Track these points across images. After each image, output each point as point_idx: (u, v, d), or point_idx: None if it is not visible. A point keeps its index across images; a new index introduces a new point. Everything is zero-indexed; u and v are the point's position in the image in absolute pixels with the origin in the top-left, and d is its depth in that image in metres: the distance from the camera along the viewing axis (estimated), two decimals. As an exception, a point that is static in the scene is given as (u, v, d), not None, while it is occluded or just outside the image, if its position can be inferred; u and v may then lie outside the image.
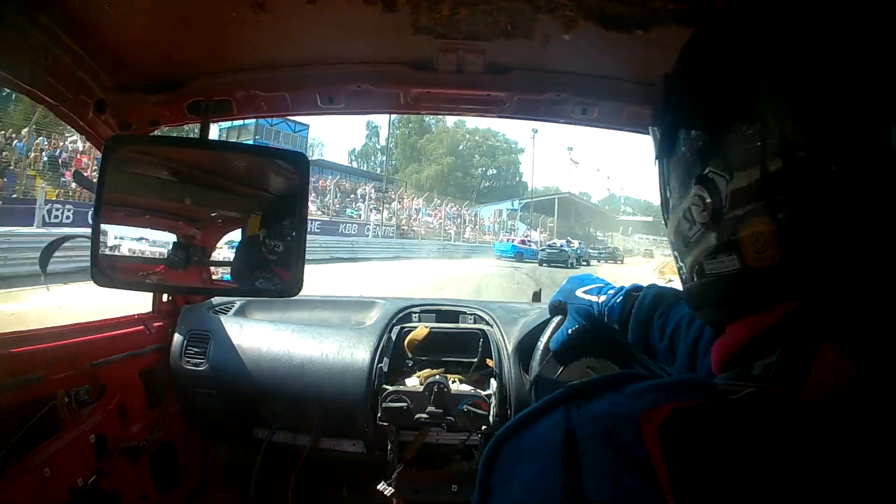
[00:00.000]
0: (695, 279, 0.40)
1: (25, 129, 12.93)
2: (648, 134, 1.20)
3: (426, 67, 0.95)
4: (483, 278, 13.83)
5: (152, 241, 0.97)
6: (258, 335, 1.30)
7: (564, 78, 0.98)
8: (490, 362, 1.24)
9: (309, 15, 0.77)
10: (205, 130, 0.98)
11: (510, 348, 1.24)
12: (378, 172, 34.24)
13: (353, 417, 1.21)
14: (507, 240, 28.27)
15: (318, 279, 8.74)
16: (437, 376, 1.20)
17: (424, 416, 1.16)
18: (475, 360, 1.26)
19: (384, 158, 41.77)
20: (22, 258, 7.76)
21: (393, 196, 28.59)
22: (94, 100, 0.94)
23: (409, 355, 1.27)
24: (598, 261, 28.65)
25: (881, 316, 0.30)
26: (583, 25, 0.76)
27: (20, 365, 0.89)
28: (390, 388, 1.18)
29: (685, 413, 0.29)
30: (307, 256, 0.89)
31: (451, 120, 48.10)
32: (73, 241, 1.13)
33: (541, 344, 1.00)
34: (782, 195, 0.31)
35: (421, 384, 1.19)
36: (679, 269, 0.44)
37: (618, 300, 0.80)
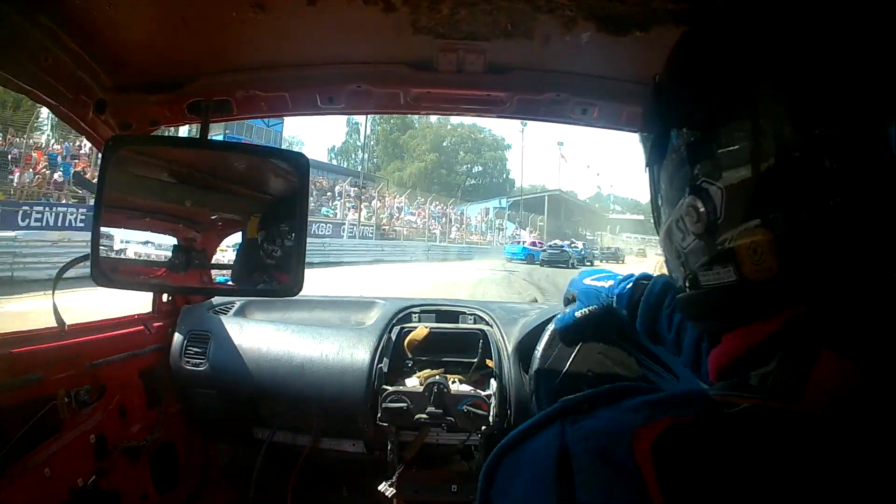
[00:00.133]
0: (687, 289, 0.39)
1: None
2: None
3: (426, 67, 0.95)
4: (476, 285, 12.55)
5: (157, 245, 0.97)
6: (258, 335, 1.30)
7: (564, 78, 0.98)
8: (490, 362, 1.24)
9: (309, 15, 0.77)
10: (205, 130, 0.98)
11: (510, 349, 1.24)
12: (359, 170, 31.37)
13: (353, 417, 1.21)
14: (519, 242, 27.53)
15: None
16: (437, 377, 1.20)
17: (424, 416, 1.16)
18: (475, 360, 1.26)
19: (365, 156, 39.19)
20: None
21: (373, 193, 26.53)
22: (94, 100, 0.94)
23: (409, 355, 1.27)
24: (601, 261, 28.18)
25: (879, 321, 0.30)
26: (583, 25, 0.76)
27: (20, 365, 0.89)
28: (390, 389, 1.18)
29: (679, 429, 0.28)
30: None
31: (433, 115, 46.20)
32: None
33: (546, 333, 1.01)
34: (779, 203, 0.31)
35: (421, 384, 1.19)
36: (671, 276, 0.43)
37: (626, 287, 0.79)
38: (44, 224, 10.11)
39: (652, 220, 0.45)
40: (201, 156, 0.99)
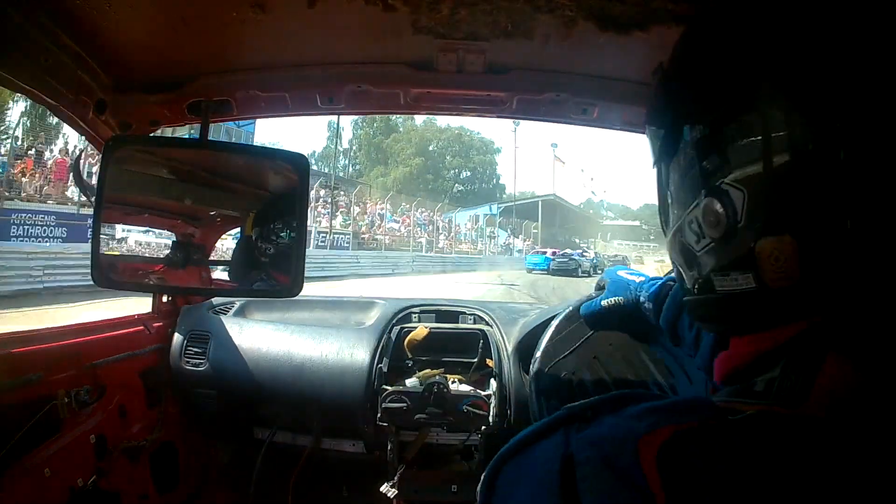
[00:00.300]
0: (697, 292, 0.38)
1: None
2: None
3: (426, 67, 0.95)
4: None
5: (157, 234, 0.97)
6: (258, 335, 1.30)
7: (564, 78, 0.98)
8: (490, 362, 1.24)
9: (309, 15, 0.77)
10: (205, 130, 0.98)
11: (510, 348, 1.24)
12: (341, 175, 29.60)
13: (353, 418, 1.21)
14: (539, 252, 26.57)
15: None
16: (437, 376, 1.20)
17: (424, 416, 1.16)
18: (475, 360, 1.26)
19: (346, 161, 38.00)
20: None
21: (347, 198, 22.16)
22: (94, 100, 0.94)
23: (409, 355, 1.27)
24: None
25: (884, 325, 0.29)
26: (583, 25, 0.76)
27: (20, 365, 0.89)
28: (390, 389, 1.18)
29: (684, 436, 0.28)
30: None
31: (419, 117, 42.05)
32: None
33: (554, 322, 1.01)
34: (804, 210, 0.30)
35: (421, 384, 1.19)
36: (679, 277, 0.42)
37: (655, 285, 0.81)
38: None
39: (660, 223, 0.43)
40: (201, 156, 0.99)
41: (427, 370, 1.24)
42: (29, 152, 11.79)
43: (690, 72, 0.37)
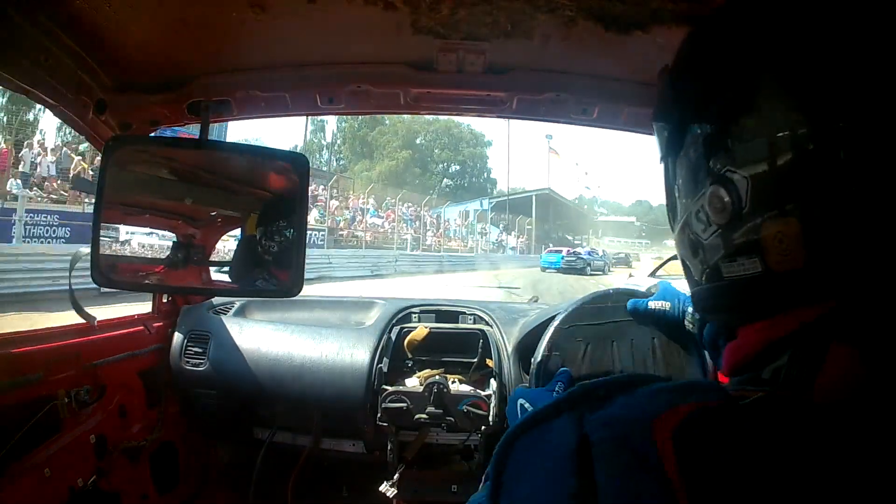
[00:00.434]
0: (705, 282, 0.38)
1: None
2: (648, 134, 1.19)
3: (426, 67, 0.95)
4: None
5: (161, 236, 0.97)
6: (258, 335, 1.30)
7: (564, 78, 0.98)
8: (490, 362, 1.24)
9: (309, 15, 0.77)
10: (205, 130, 0.98)
11: (510, 348, 1.24)
12: (324, 170, 26.63)
13: (352, 418, 1.21)
14: (554, 251, 25.46)
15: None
16: (437, 377, 1.20)
17: (424, 416, 1.16)
18: (475, 360, 1.26)
19: (329, 156, 34.25)
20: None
21: (326, 192, 19.29)
22: (94, 100, 0.94)
23: (409, 355, 1.27)
24: (614, 266, 27.28)
25: (890, 314, 0.30)
26: (583, 25, 0.76)
27: (20, 365, 0.89)
28: (390, 389, 1.18)
29: (698, 416, 0.28)
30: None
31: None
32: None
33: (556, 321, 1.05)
34: (806, 193, 0.31)
35: (421, 384, 1.19)
36: (686, 271, 0.42)
37: None
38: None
39: (667, 217, 0.44)
40: (201, 156, 0.99)
41: (427, 370, 1.24)
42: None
43: (696, 66, 0.38)
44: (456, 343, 1.29)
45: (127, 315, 1.29)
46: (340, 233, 18.34)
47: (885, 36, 0.29)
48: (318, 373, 1.22)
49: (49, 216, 8.86)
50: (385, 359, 1.23)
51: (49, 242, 8.51)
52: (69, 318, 1.12)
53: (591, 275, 20.57)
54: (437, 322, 1.36)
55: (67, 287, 1.08)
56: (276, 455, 1.31)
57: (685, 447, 0.27)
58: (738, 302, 0.36)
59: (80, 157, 11.29)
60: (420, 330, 1.27)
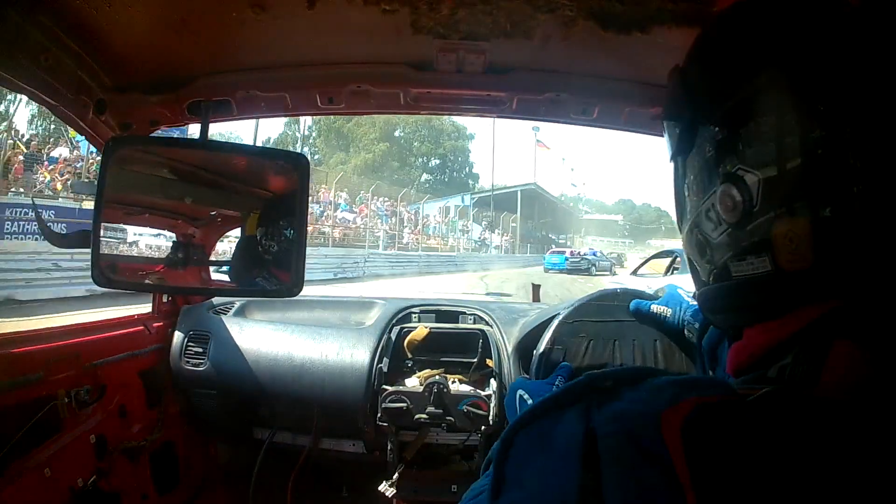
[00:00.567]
0: (713, 282, 0.38)
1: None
2: (649, 134, 1.19)
3: (426, 67, 0.95)
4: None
5: (167, 238, 0.97)
6: (258, 335, 1.30)
7: (564, 78, 0.98)
8: (490, 362, 1.24)
9: (309, 15, 0.77)
10: (205, 130, 0.98)
11: (510, 349, 1.24)
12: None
13: (352, 418, 1.21)
14: (557, 251, 25.02)
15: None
16: (437, 377, 1.20)
17: (424, 416, 1.16)
18: (475, 360, 1.26)
19: (305, 148, 31.81)
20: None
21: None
22: (94, 100, 0.94)
23: (409, 355, 1.27)
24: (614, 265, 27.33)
25: (890, 311, 0.30)
26: (583, 25, 0.77)
27: (20, 365, 0.89)
28: (390, 389, 1.18)
29: (705, 411, 0.28)
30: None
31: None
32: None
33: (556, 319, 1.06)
34: (817, 192, 0.31)
35: (421, 384, 1.19)
36: (694, 271, 0.42)
37: None
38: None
39: (676, 218, 0.44)
40: (201, 156, 0.99)
41: (427, 370, 1.24)
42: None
43: (707, 65, 0.39)
44: (456, 343, 1.29)
45: (127, 315, 1.29)
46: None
47: (893, 41, 0.30)
48: (318, 373, 1.22)
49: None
50: (385, 359, 1.23)
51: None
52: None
53: (594, 275, 20.32)
54: (437, 322, 1.36)
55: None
56: (276, 455, 1.31)
57: (693, 442, 0.27)
58: (747, 301, 0.36)
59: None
60: (420, 330, 1.27)
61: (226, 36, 0.87)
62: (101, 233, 0.86)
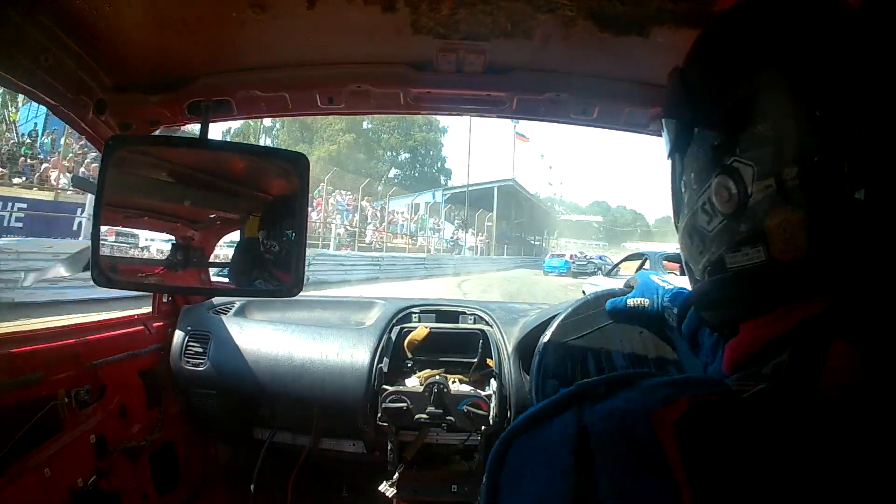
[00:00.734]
0: (708, 276, 0.39)
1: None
2: (648, 133, 1.19)
3: (426, 67, 0.95)
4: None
5: (158, 247, 0.98)
6: (258, 335, 1.30)
7: (564, 78, 0.98)
8: (490, 362, 1.24)
9: (309, 15, 0.77)
10: (205, 130, 0.98)
11: (510, 349, 1.24)
12: None
13: (353, 418, 1.21)
14: (557, 255, 24.97)
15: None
16: (437, 377, 1.20)
17: (424, 416, 1.16)
18: (475, 360, 1.26)
19: (269, 140, 30.03)
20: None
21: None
22: (94, 100, 0.94)
23: (409, 355, 1.27)
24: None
25: (889, 312, 0.30)
26: (582, 25, 0.77)
27: (20, 365, 0.89)
28: (390, 389, 1.18)
29: (700, 408, 0.28)
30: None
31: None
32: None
33: (578, 301, 1.06)
34: (811, 182, 0.31)
35: (421, 384, 1.19)
36: (689, 268, 0.43)
37: (682, 293, 0.82)
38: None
39: (672, 214, 0.45)
40: (201, 156, 0.99)
41: (427, 370, 1.24)
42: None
43: (706, 63, 0.39)
44: (456, 343, 1.29)
45: (127, 315, 1.29)
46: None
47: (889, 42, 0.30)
48: (318, 373, 1.22)
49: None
50: (385, 359, 1.23)
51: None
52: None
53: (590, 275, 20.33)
54: (437, 322, 1.36)
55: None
56: (276, 455, 1.31)
57: (688, 439, 0.27)
58: (742, 294, 0.36)
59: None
60: (420, 330, 1.27)
61: (226, 36, 0.87)
62: (101, 233, 0.86)
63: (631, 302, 0.88)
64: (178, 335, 1.31)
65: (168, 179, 0.99)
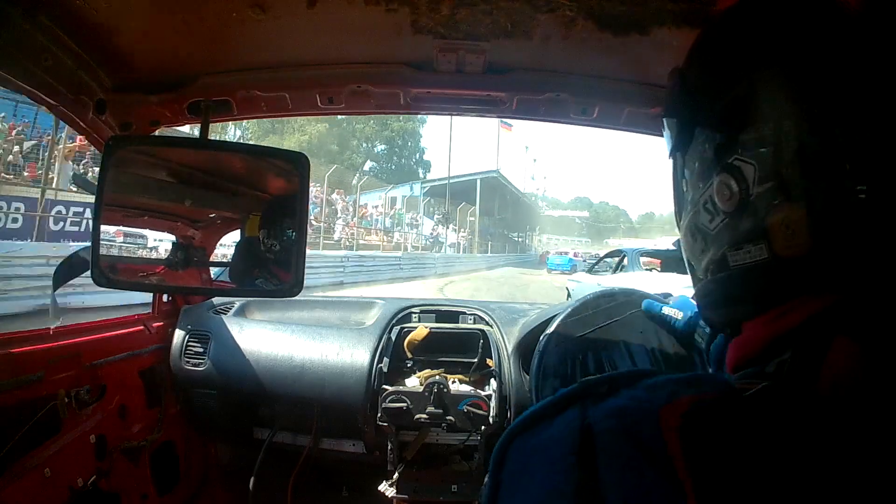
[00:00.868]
0: (710, 276, 0.39)
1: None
2: (648, 133, 1.19)
3: (426, 68, 0.95)
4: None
5: (157, 246, 0.98)
6: (258, 335, 1.30)
7: (564, 78, 0.98)
8: (490, 362, 1.24)
9: (309, 15, 0.77)
10: (205, 130, 0.98)
11: (510, 348, 1.24)
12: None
13: (352, 418, 1.21)
14: (561, 253, 24.16)
15: None
16: (437, 377, 1.20)
17: (424, 416, 1.16)
18: (475, 360, 1.26)
19: (239, 132, 25.23)
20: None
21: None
22: (94, 100, 0.94)
23: (409, 355, 1.27)
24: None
25: (890, 307, 0.30)
26: (582, 25, 0.77)
27: (20, 365, 0.89)
28: (390, 389, 1.18)
29: (703, 406, 0.28)
30: None
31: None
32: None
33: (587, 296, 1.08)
34: (812, 179, 0.31)
35: (421, 384, 1.19)
36: (691, 267, 0.43)
37: None
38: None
39: (674, 214, 0.45)
40: (201, 156, 0.99)
41: (427, 370, 1.24)
42: None
43: (705, 64, 0.39)
44: (456, 343, 1.29)
45: (127, 315, 1.29)
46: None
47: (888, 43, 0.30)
48: (318, 373, 1.22)
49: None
50: (385, 359, 1.23)
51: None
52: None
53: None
54: (437, 322, 1.36)
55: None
56: (276, 455, 1.31)
57: (690, 437, 0.27)
58: (744, 291, 0.36)
59: None
60: (420, 330, 1.27)
61: (226, 36, 0.87)
62: (101, 233, 0.86)
63: (666, 311, 0.91)
64: (179, 335, 1.31)
65: (168, 179, 0.99)
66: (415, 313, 1.39)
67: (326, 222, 16.38)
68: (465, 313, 1.41)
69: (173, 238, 0.98)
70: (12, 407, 0.87)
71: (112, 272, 0.91)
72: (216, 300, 1.45)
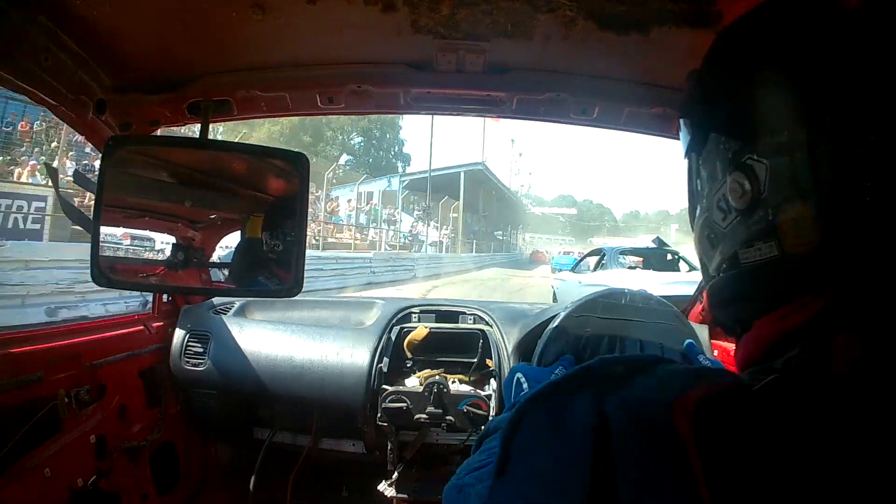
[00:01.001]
0: (722, 274, 0.40)
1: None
2: (648, 134, 1.19)
3: (426, 67, 0.95)
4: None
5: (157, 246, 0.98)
6: (258, 335, 1.30)
7: (564, 78, 0.98)
8: (490, 362, 1.24)
9: (309, 15, 0.77)
10: (205, 130, 0.98)
11: (510, 348, 1.24)
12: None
13: (352, 418, 1.22)
14: (564, 252, 23.80)
15: None
16: (437, 377, 1.20)
17: (424, 416, 1.16)
18: (475, 360, 1.26)
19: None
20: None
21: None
22: (94, 100, 0.94)
23: (409, 355, 1.27)
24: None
25: (891, 303, 0.30)
26: (582, 25, 0.77)
27: (20, 365, 0.89)
28: (390, 389, 1.18)
29: (716, 397, 0.29)
30: None
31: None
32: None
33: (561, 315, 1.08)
34: (823, 178, 0.32)
35: (421, 384, 1.19)
36: (703, 266, 0.43)
37: None
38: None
39: (688, 213, 0.46)
40: (201, 156, 0.99)
41: (427, 370, 1.24)
42: None
43: (718, 67, 0.40)
44: (456, 343, 1.29)
45: (127, 315, 1.29)
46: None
47: None
48: (318, 373, 1.22)
49: None
50: (385, 359, 1.23)
51: None
52: None
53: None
54: (437, 322, 1.36)
55: None
56: (276, 455, 1.31)
57: (703, 429, 0.28)
58: (755, 289, 0.37)
59: None
60: (420, 330, 1.27)
61: (226, 36, 0.87)
62: (101, 232, 0.86)
63: (701, 358, 0.97)
64: (178, 335, 1.31)
65: (168, 180, 0.99)
66: (415, 313, 1.39)
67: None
68: (464, 313, 1.41)
69: (174, 239, 0.98)
70: (12, 407, 0.87)
71: (112, 272, 0.91)
72: (216, 300, 1.45)
